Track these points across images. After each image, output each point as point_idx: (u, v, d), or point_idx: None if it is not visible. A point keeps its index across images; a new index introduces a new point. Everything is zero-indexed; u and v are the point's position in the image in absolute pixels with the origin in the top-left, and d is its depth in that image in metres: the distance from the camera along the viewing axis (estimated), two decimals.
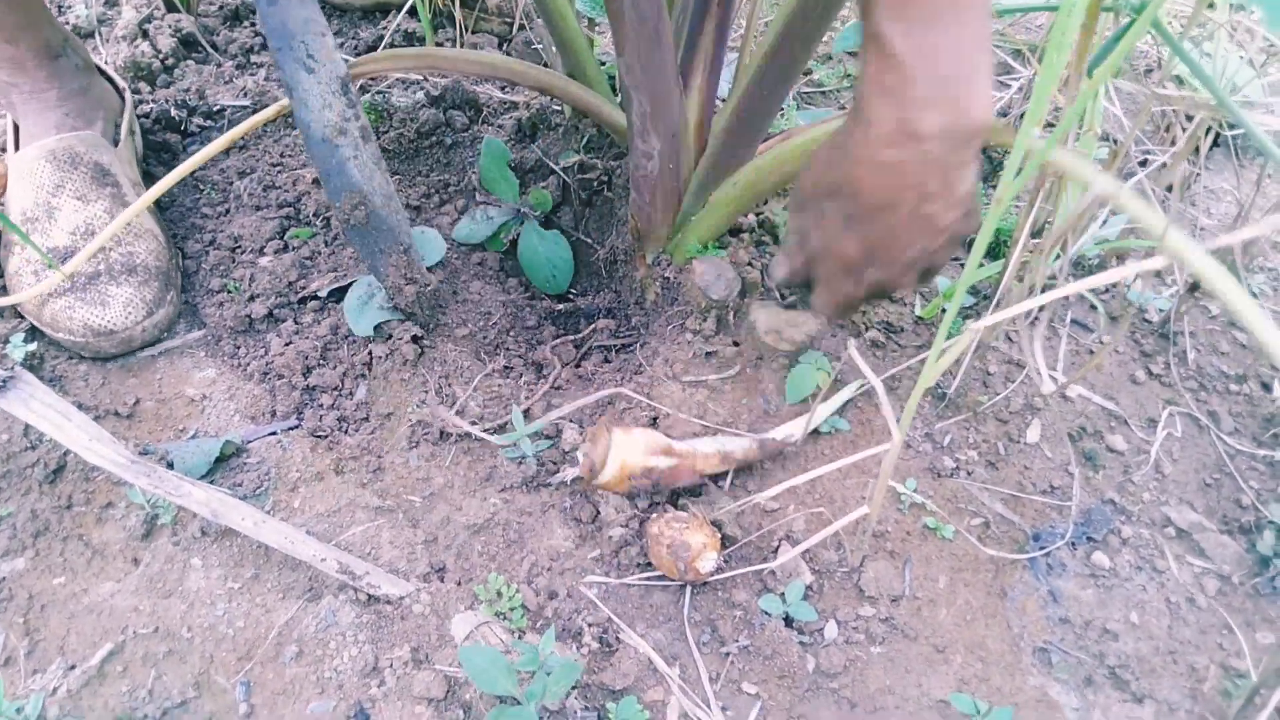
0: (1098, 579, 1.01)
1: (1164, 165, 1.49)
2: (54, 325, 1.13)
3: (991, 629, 0.97)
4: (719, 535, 1.00)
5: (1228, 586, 1.02)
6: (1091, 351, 1.24)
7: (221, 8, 1.77)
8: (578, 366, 1.23)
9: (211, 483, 1.05)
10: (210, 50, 1.67)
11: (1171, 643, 0.97)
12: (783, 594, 0.97)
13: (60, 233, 1.16)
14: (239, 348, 1.22)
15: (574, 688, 0.92)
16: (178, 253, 1.29)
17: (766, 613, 0.97)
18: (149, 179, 1.36)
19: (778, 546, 1.02)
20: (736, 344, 1.17)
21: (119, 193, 1.21)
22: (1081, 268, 1.29)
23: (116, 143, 1.28)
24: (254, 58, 1.67)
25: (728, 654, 0.96)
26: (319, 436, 1.13)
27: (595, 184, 1.35)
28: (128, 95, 1.36)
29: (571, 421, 1.14)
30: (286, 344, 1.19)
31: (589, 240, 1.36)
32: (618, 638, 0.96)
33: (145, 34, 1.64)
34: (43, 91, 1.20)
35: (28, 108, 1.21)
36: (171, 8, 1.69)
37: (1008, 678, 0.94)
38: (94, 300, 1.13)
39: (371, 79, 1.55)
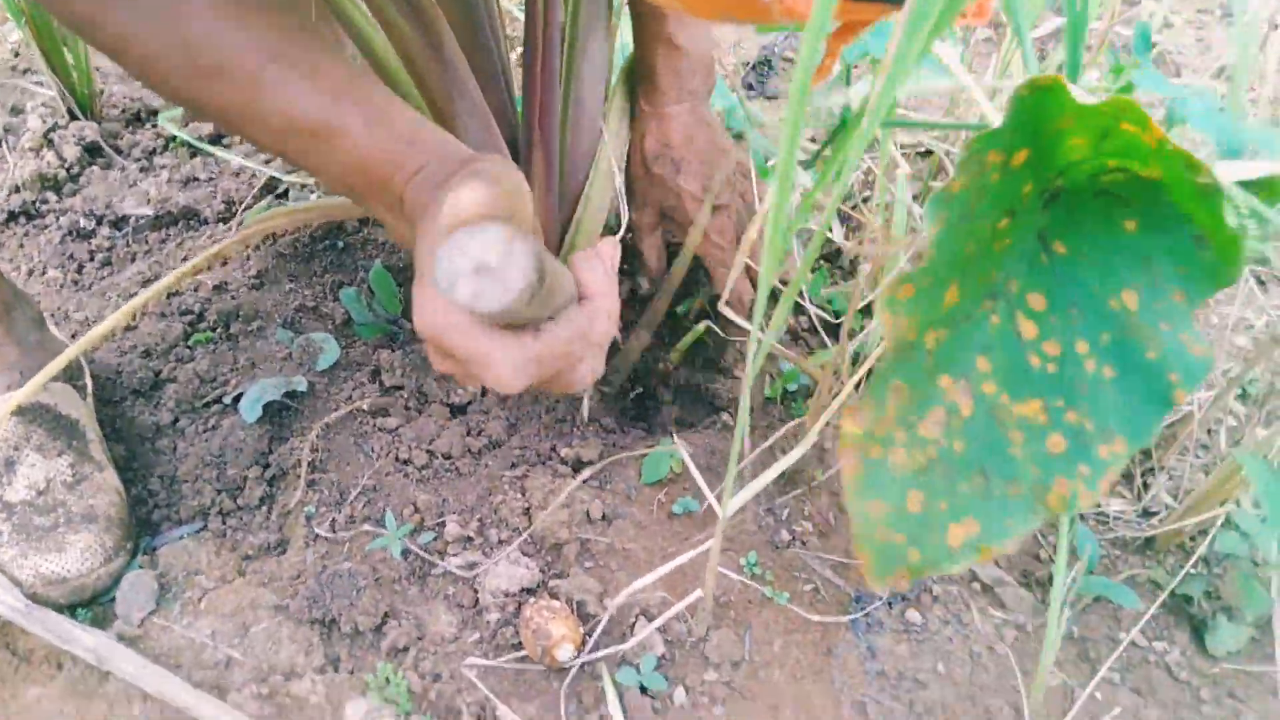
0: (911, 634, 1.17)
1: None
2: None
3: (817, 685, 1.13)
4: (580, 627, 1.14)
5: (1023, 635, 1.19)
6: None
7: (124, 111, 1.86)
8: (456, 458, 1.36)
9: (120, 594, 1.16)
10: (114, 155, 1.77)
11: (972, 689, 1.13)
12: (637, 665, 1.12)
13: (19, 487, 1.14)
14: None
15: None
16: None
17: (624, 684, 1.11)
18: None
19: (634, 622, 1.16)
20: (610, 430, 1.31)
21: (84, 446, 1.20)
22: None
23: (85, 397, 1.27)
24: (156, 159, 1.78)
25: None
26: (221, 537, 1.24)
27: None
28: (81, 360, 1.32)
29: (454, 514, 1.27)
30: (190, 447, 1.31)
31: None
32: (495, 714, 1.10)
33: (51, 144, 1.73)
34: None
35: None
36: (74, 115, 1.79)
37: None
38: (49, 547, 1.11)
39: None
